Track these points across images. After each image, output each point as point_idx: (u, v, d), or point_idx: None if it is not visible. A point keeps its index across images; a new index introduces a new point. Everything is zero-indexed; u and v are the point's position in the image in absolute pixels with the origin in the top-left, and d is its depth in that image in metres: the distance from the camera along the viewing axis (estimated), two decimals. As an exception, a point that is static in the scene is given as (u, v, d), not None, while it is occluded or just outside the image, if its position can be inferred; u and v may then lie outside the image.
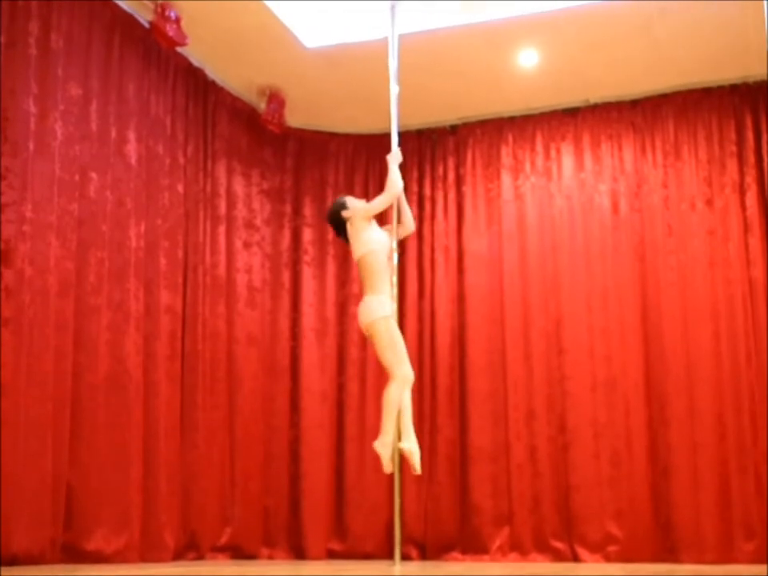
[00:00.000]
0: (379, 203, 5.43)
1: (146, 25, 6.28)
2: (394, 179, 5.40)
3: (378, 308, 5.18)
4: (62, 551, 5.38)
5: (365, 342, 7.78)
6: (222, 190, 7.22)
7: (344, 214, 5.36)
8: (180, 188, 6.68)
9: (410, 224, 5.57)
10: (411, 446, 5.23)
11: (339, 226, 5.42)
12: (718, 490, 6.79)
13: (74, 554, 5.46)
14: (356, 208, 5.38)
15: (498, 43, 6.77)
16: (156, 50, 6.45)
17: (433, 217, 7.88)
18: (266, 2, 6.25)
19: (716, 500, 6.78)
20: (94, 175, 5.81)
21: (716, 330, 7.00)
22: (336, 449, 7.70)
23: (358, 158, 8.11)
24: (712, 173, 7.27)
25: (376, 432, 7.48)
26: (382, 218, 5.61)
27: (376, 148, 7.58)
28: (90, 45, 5.88)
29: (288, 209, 7.95)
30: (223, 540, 6.89)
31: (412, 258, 7.82)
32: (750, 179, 7.12)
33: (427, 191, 7.87)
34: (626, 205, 7.44)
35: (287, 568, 6.29)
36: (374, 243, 5.27)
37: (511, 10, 6.41)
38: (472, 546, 7.25)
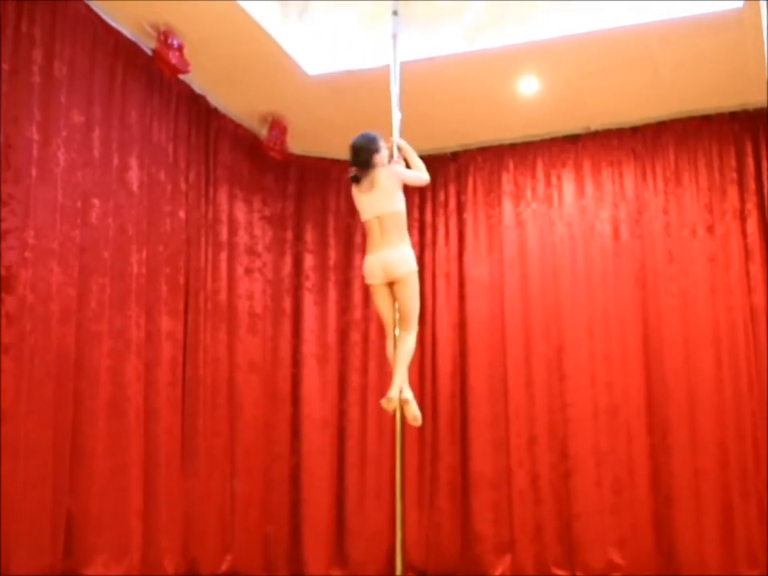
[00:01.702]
0: (412, 177, 5.41)
1: (149, 52, 6.31)
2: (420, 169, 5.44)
3: (413, 261, 5.23)
4: (62, 578, 5.37)
5: (366, 367, 7.80)
6: (224, 217, 7.24)
7: (376, 159, 5.24)
8: (182, 214, 6.69)
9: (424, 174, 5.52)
10: (409, 396, 5.26)
11: (365, 161, 5.25)
12: (720, 517, 6.77)
13: (74, 581, 5.44)
14: (396, 167, 5.30)
15: (499, 71, 6.80)
16: (158, 78, 6.48)
17: (434, 243, 7.90)
18: (269, 30, 6.28)
19: (719, 527, 6.76)
20: (96, 202, 5.82)
21: (717, 356, 7.00)
22: (337, 475, 7.69)
23: (359, 184, 8.13)
24: (713, 199, 7.28)
25: (377, 458, 7.56)
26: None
27: (377, 175, 7.59)
28: (93, 72, 5.90)
29: (289, 235, 7.96)
30: (223, 567, 6.85)
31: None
32: (751, 206, 7.14)
33: (428, 218, 7.90)
34: (627, 231, 7.45)
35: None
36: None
37: (512, 37, 6.43)
38: (473, 573, 7.22)
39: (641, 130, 7.58)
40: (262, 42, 6.36)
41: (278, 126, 7.54)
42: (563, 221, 7.63)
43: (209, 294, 6.94)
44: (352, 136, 6.72)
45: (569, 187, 7.68)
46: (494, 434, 7.41)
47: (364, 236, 7.93)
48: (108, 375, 5.81)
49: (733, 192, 7.24)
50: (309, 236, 8.05)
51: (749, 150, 7.26)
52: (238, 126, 7.45)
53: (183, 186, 6.74)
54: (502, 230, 7.76)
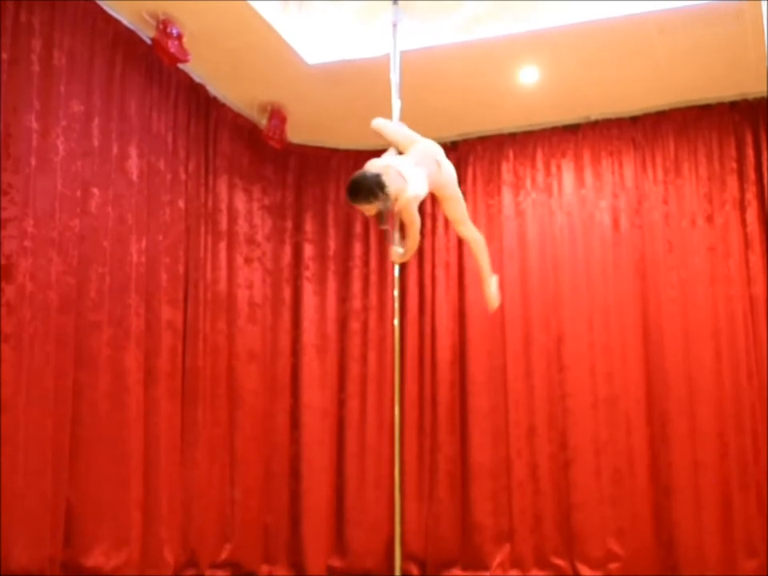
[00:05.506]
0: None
1: (148, 41, 6.30)
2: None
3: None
4: (62, 568, 5.35)
5: (365, 357, 7.82)
6: (224, 206, 7.22)
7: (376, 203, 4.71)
8: (181, 204, 6.68)
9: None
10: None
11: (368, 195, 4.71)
12: (719, 508, 6.78)
13: (74, 571, 5.43)
14: (406, 197, 4.77)
15: (499, 60, 6.79)
16: (158, 67, 6.46)
17: (433, 233, 7.88)
18: (268, 19, 6.26)
19: (718, 518, 6.76)
20: (95, 191, 5.81)
21: (717, 347, 7.00)
22: (336, 465, 7.69)
23: (359, 174, 8.11)
24: (712, 189, 7.27)
25: (377, 449, 7.57)
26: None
27: (377, 164, 7.59)
28: (92, 61, 5.88)
29: (289, 224, 7.95)
30: (223, 557, 6.86)
31: (413, 274, 7.83)
32: (751, 196, 7.13)
33: (428, 207, 7.86)
34: (627, 221, 7.44)
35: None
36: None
37: (512, 27, 6.42)
38: (473, 562, 7.23)
39: (641, 120, 7.56)
40: (261, 31, 6.34)
41: (277, 115, 7.52)
42: (563, 210, 7.62)
43: (208, 283, 6.93)
44: (352, 125, 6.74)
45: (568, 177, 7.67)
46: (494, 424, 7.42)
47: (363, 225, 8.03)
48: (107, 365, 5.80)
49: (732, 182, 7.22)
50: (308, 225, 8.04)
51: (749, 139, 7.24)
52: (237, 115, 7.43)
53: (183, 176, 6.73)
54: (502, 219, 7.75)
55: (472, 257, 7.63)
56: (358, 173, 4.77)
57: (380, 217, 4.79)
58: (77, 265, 5.60)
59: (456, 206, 5.28)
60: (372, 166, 4.85)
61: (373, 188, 4.66)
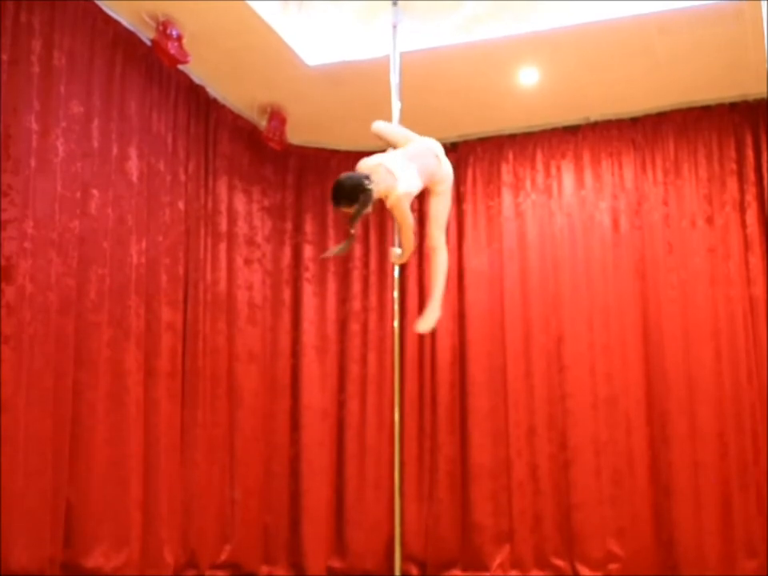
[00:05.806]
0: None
1: (148, 43, 6.30)
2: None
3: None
4: (62, 568, 5.35)
5: (365, 358, 7.81)
6: (223, 207, 7.23)
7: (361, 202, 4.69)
8: (181, 205, 6.68)
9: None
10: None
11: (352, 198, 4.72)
12: (719, 508, 6.78)
13: (74, 571, 5.43)
14: (396, 194, 4.78)
15: (499, 61, 6.79)
16: (158, 68, 6.46)
17: (433, 234, 7.87)
18: (268, 20, 6.26)
19: (718, 518, 6.76)
20: (95, 192, 5.81)
21: (717, 347, 7.00)
22: (336, 466, 7.69)
23: (358, 175, 8.11)
24: (712, 190, 7.27)
25: (377, 450, 7.57)
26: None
27: (377, 165, 7.57)
28: (92, 62, 5.88)
29: (289, 226, 7.96)
30: (223, 557, 6.86)
31: (413, 275, 7.82)
32: (751, 197, 7.13)
33: (427, 209, 7.85)
34: (627, 222, 7.44)
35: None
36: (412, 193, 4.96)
37: (512, 28, 6.42)
38: (473, 563, 7.23)
39: (640, 121, 7.56)
40: (261, 32, 6.35)
41: (277, 116, 7.53)
42: (563, 212, 7.62)
43: (208, 284, 6.93)
44: (352, 126, 6.74)
45: (568, 178, 7.67)
46: (494, 425, 7.41)
47: (363, 226, 8.02)
48: (107, 366, 5.80)
49: (732, 183, 7.22)
50: (308, 227, 8.04)
51: (748, 140, 7.24)
52: (237, 116, 7.43)
53: (182, 177, 6.73)
54: (502, 220, 7.75)
55: (471, 258, 7.72)
56: (342, 176, 4.78)
57: (352, 219, 4.75)
58: (77, 266, 5.60)
59: (443, 203, 5.26)
60: (363, 166, 4.88)
61: (352, 192, 4.69)
